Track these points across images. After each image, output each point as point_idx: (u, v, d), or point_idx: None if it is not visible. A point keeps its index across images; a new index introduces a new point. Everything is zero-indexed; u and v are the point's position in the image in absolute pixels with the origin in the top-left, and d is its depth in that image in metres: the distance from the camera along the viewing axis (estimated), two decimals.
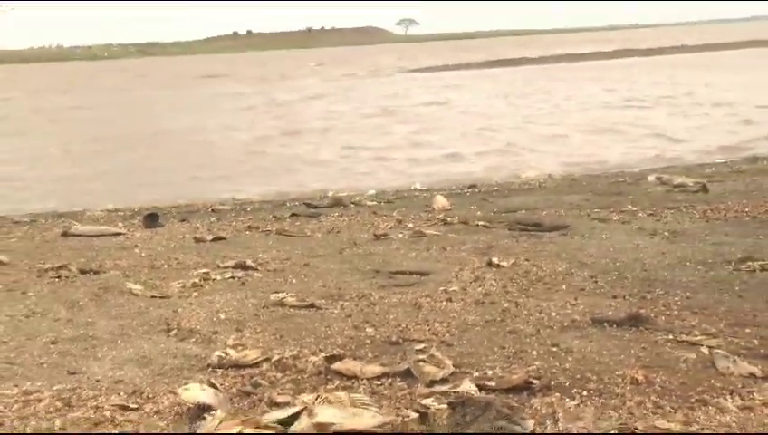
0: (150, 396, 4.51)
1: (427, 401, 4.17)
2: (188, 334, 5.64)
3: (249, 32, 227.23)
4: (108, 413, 4.28)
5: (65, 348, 5.44)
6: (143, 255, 8.42)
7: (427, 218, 10.01)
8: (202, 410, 4.17)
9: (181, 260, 8.08)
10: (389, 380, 4.63)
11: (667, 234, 8.45)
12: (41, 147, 23.48)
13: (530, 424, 3.86)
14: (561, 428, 3.87)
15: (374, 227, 9.53)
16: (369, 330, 5.56)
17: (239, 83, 56.13)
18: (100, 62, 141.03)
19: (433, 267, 7.36)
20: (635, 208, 10.03)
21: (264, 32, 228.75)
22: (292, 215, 10.80)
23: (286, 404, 4.25)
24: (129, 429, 4.12)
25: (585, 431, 3.82)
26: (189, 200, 13.52)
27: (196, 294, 6.76)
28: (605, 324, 5.50)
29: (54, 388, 4.66)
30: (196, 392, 4.33)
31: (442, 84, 46.74)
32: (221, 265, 7.73)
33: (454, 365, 4.74)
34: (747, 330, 5.29)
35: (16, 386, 4.72)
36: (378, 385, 4.56)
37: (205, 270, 7.51)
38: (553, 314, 5.79)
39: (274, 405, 4.30)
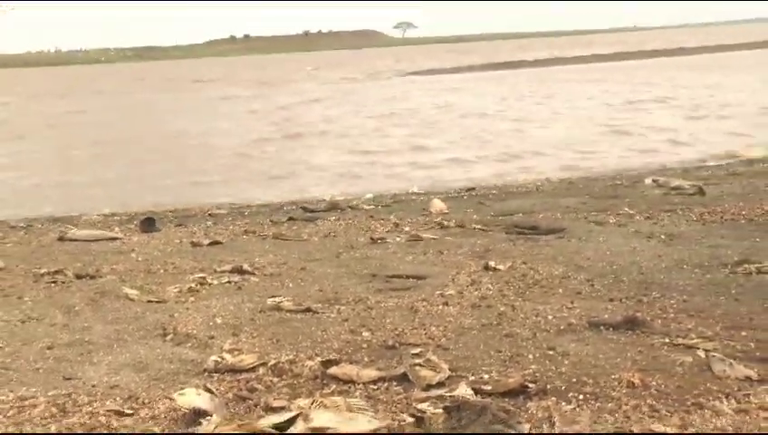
0: (146, 401, 4.50)
1: (423, 406, 4.17)
2: (185, 339, 5.64)
3: (246, 35, 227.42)
4: (103, 419, 4.27)
5: (61, 353, 5.43)
6: (140, 259, 8.41)
7: (423, 222, 10.02)
8: (198, 414, 4.17)
9: (178, 265, 8.08)
10: (386, 384, 4.62)
11: (663, 237, 8.45)
12: (38, 151, 23.47)
13: (525, 428, 3.86)
14: (557, 431, 3.86)
15: (371, 230, 9.54)
16: (366, 334, 5.56)
17: (237, 87, 56.16)
18: (98, 66, 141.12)
19: (429, 271, 7.36)
20: (632, 211, 10.03)
21: (261, 35, 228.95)
22: (289, 219, 10.81)
23: (282, 409, 4.24)
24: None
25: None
26: (186, 205, 13.52)
27: (192, 298, 6.76)
28: (601, 328, 5.50)
29: (50, 393, 4.65)
30: (192, 397, 4.33)
31: (441, 87, 46.79)
32: (218, 269, 7.73)
33: (450, 369, 4.75)
34: (743, 333, 5.30)
35: (11, 392, 4.71)
36: (374, 389, 4.56)
37: (201, 275, 7.50)
38: (550, 317, 5.80)
39: (270, 410, 4.29)
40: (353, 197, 13.42)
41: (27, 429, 4.20)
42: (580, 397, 4.33)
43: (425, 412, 4.06)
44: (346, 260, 8.02)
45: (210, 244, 9.15)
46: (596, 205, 10.87)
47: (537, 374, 4.67)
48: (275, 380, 4.77)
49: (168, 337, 5.70)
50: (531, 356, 5.01)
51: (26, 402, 4.52)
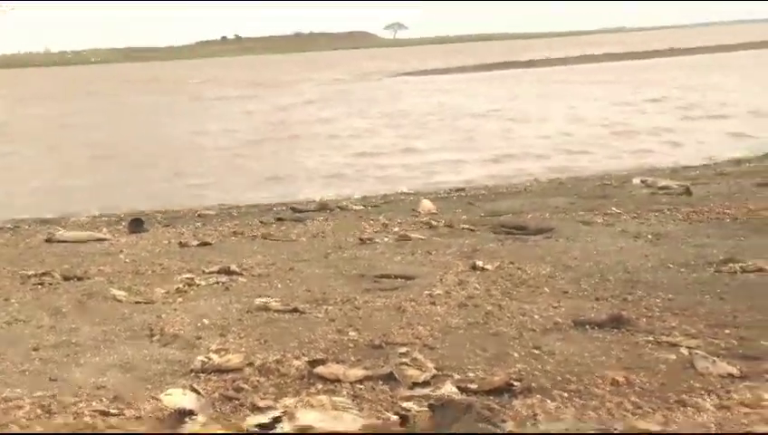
0: (132, 402, 4.51)
1: (409, 404, 4.19)
2: (172, 340, 5.64)
3: (238, 36, 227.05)
4: (88, 419, 4.28)
5: (47, 355, 5.43)
6: (127, 260, 8.41)
7: (412, 222, 10.02)
8: (183, 414, 4.18)
9: (166, 266, 8.07)
10: (372, 383, 4.64)
11: (650, 236, 8.48)
12: (26, 153, 23.43)
13: (509, 426, 3.88)
14: (542, 430, 3.89)
15: (360, 231, 9.53)
16: (353, 334, 5.57)
17: (228, 88, 56.07)
18: (90, 67, 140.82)
19: (417, 271, 7.38)
20: (619, 211, 10.05)
21: (252, 36, 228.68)
22: (278, 220, 10.79)
23: (268, 408, 4.26)
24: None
25: (565, 432, 3.83)
26: (175, 206, 13.51)
27: (180, 299, 6.76)
28: (587, 327, 5.53)
29: (35, 394, 4.65)
30: (178, 397, 4.34)
31: (431, 88, 46.83)
32: (206, 270, 7.72)
33: (436, 368, 4.77)
34: (727, 331, 5.33)
35: None
36: (360, 388, 4.58)
37: (189, 275, 7.49)
38: (536, 316, 5.82)
39: (256, 409, 4.30)
40: (342, 197, 13.43)
41: (13, 429, 4.21)
42: (565, 395, 4.37)
43: (410, 411, 4.09)
44: (334, 260, 8.03)
45: (199, 245, 9.14)
46: (584, 205, 10.88)
47: (522, 373, 4.70)
48: (262, 379, 4.79)
49: (156, 338, 5.70)
50: (516, 355, 5.04)
51: (11, 404, 4.52)
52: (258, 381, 4.77)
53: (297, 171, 18.34)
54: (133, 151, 22.97)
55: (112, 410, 4.38)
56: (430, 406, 4.08)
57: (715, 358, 4.74)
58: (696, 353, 4.83)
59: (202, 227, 10.58)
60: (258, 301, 6.45)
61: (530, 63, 71.46)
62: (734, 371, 4.57)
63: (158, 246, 9.17)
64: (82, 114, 38.40)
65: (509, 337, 5.39)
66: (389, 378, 4.67)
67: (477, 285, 6.73)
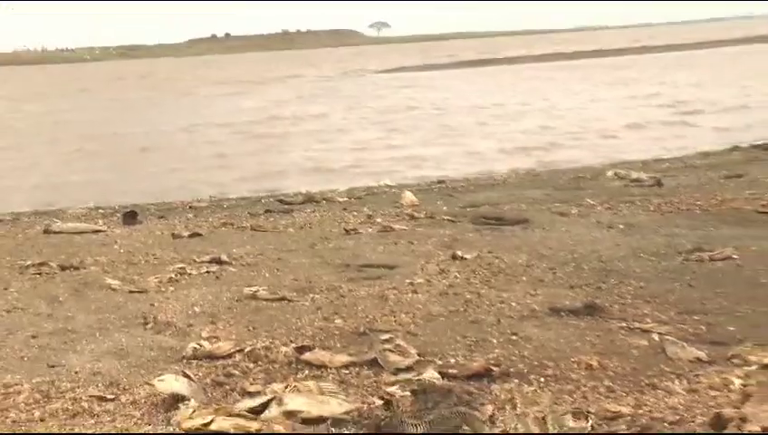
0: (127, 387, 4.51)
1: (392, 389, 4.20)
2: (165, 327, 5.64)
3: (227, 34, 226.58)
4: (85, 404, 4.29)
5: (45, 342, 5.42)
6: (122, 251, 8.38)
7: (395, 214, 10.02)
8: (176, 399, 4.18)
9: (159, 256, 8.05)
10: (357, 369, 4.65)
11: (622, 226, 8.51)
12: (25, 147, 23.31)
13: (488, 409, 3.89)
14: (518, 412, 3.90)
15: (344, 222, 9.52)
16: (338, 321, 5.58)
17: (218, 85, 55.96)
18: (84, 65, 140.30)
19: (400, 261, 7.38)
20: (593, 202, 10.07)
21: (242, 34, 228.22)
22: (266, 211, 10.77)
23: (257, 393, 4.26)
24: (106, 419, 4.11)
25: (541, 416, 3.84)
26: (168, 198, 13.46)
27: (172, 288, 6.75)
28: (562, 314, 5.55)
29: (34, 380, 4.65)
30: (171, 383, 4.34)
31: (414, 84, 46.82)
32: (197, 260, 7.70)
33: (418, 354, 4.78)
34: (696, 317, 5.36)
35: None
36: (345, 374, 4.59)
37: (181, 265, 7.48)
38: (514, 304, 5.84)
39: (246, 394, 4.31)
40: (328, 190, 13.39)
41: (12, 414, 4.20)
42: (542, 379, 4.39)
43: (393, 395, 4.10)
44: (320, 250, 8.02)
45: (190, 235, 9.11)
46: (559, 196, 10.91)
47: (501, 358, 4.72)
48: (251, 365, 4.79)
49: (149, 326, 5.70)
50: (495, 341, 5.05)
51: (11, 389, 4.52)
52: (248, 367, 4.77)
53: (285, 165, 18.31)
54: (127, 146, 22.87)
55: (108, 396, 4.38)
56: (413, 391, 4.10)
57: (684, 343, 4.77)
58: (667, 339, 4.86)
59: (193, 219, 10.55)
60: (247, 290, 6.44)
61: (507, 60, 71.55)
62: (703, 355, 4.59)
63: (151, 238, 9.14)
64: (78, 111, 38.28)
65: (488, 324, 5.40)
66: (374, 364, 4.68)
67: (457, 274, 6.74)
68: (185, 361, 4.91)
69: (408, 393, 4.08)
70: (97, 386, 4.54)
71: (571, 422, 3.75)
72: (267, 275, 7.10)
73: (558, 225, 8.77)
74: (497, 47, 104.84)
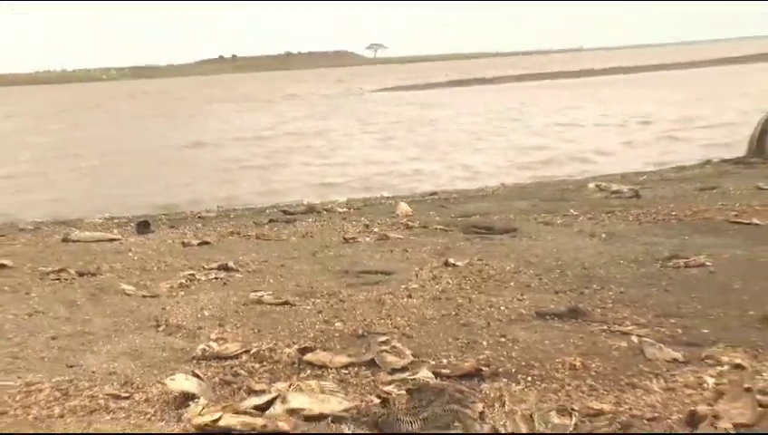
0: (141, 386, 4.49)
1: (389, 388, 4.19)
2: (175, 330, 5.62)
3: (234, 56, 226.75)
4: (102, 401, 4.27)
5: (64, 343, 5.41)
6: (136, 258, 8.36)
7: (391, 223, 10.01)
8: (187, 397, 4.17)
9: (170, 263, 8.03)
10: (355, 369, 4.64)
11: (603, 235, 8.50)
12: (48, 162, 23.31)
13: (479, 407, 3.89)
14: (507, 409, 3.89)
15: (344, 231, 9.51)
16: (338, 324, 5.56)
17: (227, 103, 56.00)
18: (102, 84, 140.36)
19: (396, 267, 7.36)
20: (576, 213, 10.07)
21: (247, 55, 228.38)
22: (270, 221, 10.76)
23: (262, 392, 4.25)
24: (121, 415, 4.11)
25: (528, 413, 3.84)
26: (178, 209, 13.47)
27: (182, 293, 6.73)
28: (548, 317, 5.54)
29: (54, 379, 4.63)
30: (182, 382, 4.33)
31: (407, 102, 46.88)
32: (205, 266, 7.68)
33: (413, 355, 4.76)
34: (672, 320, 5.35)
35: (20, 378, 4.69)
36: (345, 374, 4.57)
37: (191, 272, 7.46)
38: (502, 308, 5.82)
39: (252, 393, 4.29)
40: (328, 201, 13.40)
41: (34, 411, 4.19)
42: (528, 379, 4.37)
43: (390, 394, 4.09)
44: (321, 258, 8.01)
45: (199, 244, 9.10)
46: (545, 207, 10.90)
47: (490, 359, 4.70)
48: (257, 366, 4.77)
49: (161, 328, 5.68)
50: (485, 343, 5.04)
51: (33, 387, 4.50)
52: (253, 367, 4.76)
53: (288, 177, 18.33)
54: (142, 161, 22.89)
55: (123, 394, 4.37)
56: (408, 390, 4.09)
57: (661, 345, 4.76)
58: (645, 341, 4.85)
59: (202, 228, 10.53)
60: (253, 294, 6.43)
61: (493, 80, 71.72)
62: (679, 356, 4.59)
63: (162, 246, 9.12)
64: (96, 127, 38.29)
65: (478, 327, 5.39)
66: (371, 364, 4.66)
67: (449, 280, 6.73)
68: (194, 361, 4.89)
69: (404, 392, 4.07)
70: (113, 385, 4.53)
71: (555, 419, 3.74)
72: (271, 280, 7.08)
73: (544, 234, 8.77)
74: (487, 67, 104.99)
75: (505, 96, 48.08)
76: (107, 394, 4.37)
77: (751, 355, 4.55)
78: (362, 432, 3.70)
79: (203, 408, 4.00)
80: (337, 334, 5.34)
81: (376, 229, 9.54)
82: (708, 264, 6.90)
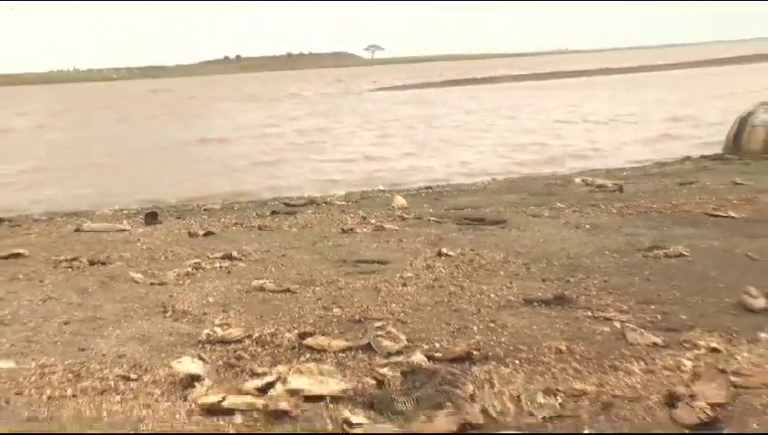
0: (149, 368, 4.51)
1: (384, 370, 4.20)
2: (182, 315, 5.63)
3: (238, 56, 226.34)
4: (112, 383, 4.27)
5: (76, 328, 5.41)
6: (144, 248, 8.36)
7: (387, 215, 10.01)
8: (192, 379, 4.18)
9: (176, 252, 8.04)
10: (353, 352, 4.65)
11: (588, 227, 8.52)
12: (62, 158, 23.25)
13: (469, 388, 3.90)
14: (496, 390, 3.90)
15: (342, 223, 9.51)
16: (336, 310, 5.57)
17: (233, 101, 55.91)
18: (112, 83, 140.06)
19: (391, 257, 7.37)
20: (563, 206, 10.09)
21: (251, 56, 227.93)
22: (272, 213, 10.77)
23: (264, 374, 4.25)
24: (130, 396, 4.11)
25: (516, 394, 3.85)
26: (185, 201, 13.46)
27: (188, 281, 6.73)
28: (535, 304, 5.55)
29: (66, 362, 4.64)
30: (188, 365, 4.34)
31: (403, 101, 46.82)
32: (210, 256, 7.69)
33: (407, 340, 4.78)
34: (652, 307, 5.37)
35: (34, 360, 4.70)
36: (343, 357, 4.58)
37: (196, 260, 7.46)
38: (492, 295, 5.84)
39: (254, 375, 4.30)
40: (328, 194, 13.40)
41: (47, 391, 4.19)
42: (516, 362, 4.39)
43: (385, 376, 4.10)
44: (320, 248, 8.02)
45: (205, 234, 9.10)
46: (533, 200, 10.92)
47: (480, 343, 4.72)
48: (259, 349, 4.78)
49: (168, 314, 5.69)
50: (475, 328, 5.05)
51: (46, 370, 4.51)
52: (256, 350, 4.77)
53: (290, 171, 18.29)
54: (151, 156, 22.82)
55: (132, 376, 4.38)
56: (402, 372, 4.11)
57: (642, 330, 4.78)
58: (627, 326, 4.87)
59: (208, 219, 10.53)
60: (255, 282, 6.43)
61: (487, 80, 71.66)
62: (658, 340, 4.61)
63: (170, 236, 9.13)
64: (109, 125, 38.20)
65: (469, 313, 5.41)
66: (368, 348, 4.67)
67: (442, 269, 6.74)
68: (200, 345, 4.90)
69: (398, 374, 4.09)
70: (122, 367, 4.53)
71: (542, 399, 3.76)
72: (273, 269, 7.09)
73: (532, 225, 8.78)
74: (482, 68, 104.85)
75: (500, 95, 48.02)
76: (117, 376, 4.37)
77: (726, 339, 4.58)
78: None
79: (207, 389, 4.02)
80: (335, 320, 5.35)
81: (373, 221, 9.54)
82: (687, 254, 6.92)
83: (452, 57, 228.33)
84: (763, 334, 4.65)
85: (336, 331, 5.12)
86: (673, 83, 50.77)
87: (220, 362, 4.55)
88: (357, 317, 5.38)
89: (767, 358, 4.22)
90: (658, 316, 5.17)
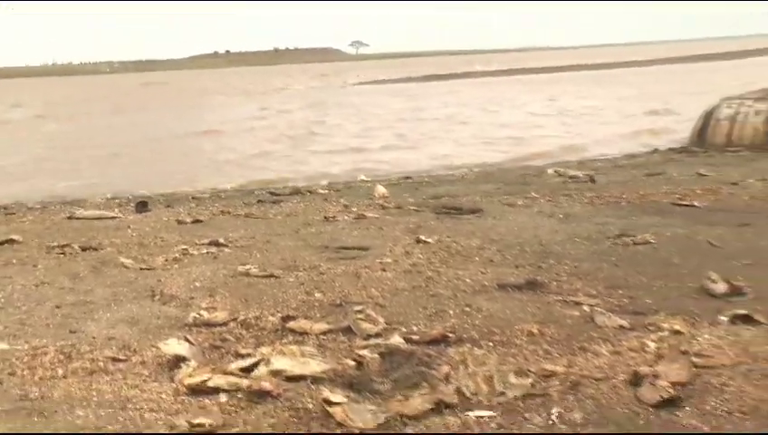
0: (137, 349, 4.50)
1: (363, 352, 4.20)
2: (170, 299, 5.61)
3: (227, 51, 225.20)
4: (101, 364, 4.27)
5: (68, 311, 5.39)
6: (134, 235, 8.32)
7: (368, 204, 10.01)
8: (179, 360, 4.18)
9: (165, 239, 8.00)
10: (333, 335, 4.65)
11: (560, 216, 8.54)
12: (56, 150, 23.08)
13: (444, 369, 3.91)
14: (470, 371, 3.91)
15: (325, 211, 9.49)
16: (318, 295, 5.57)
17: (223, 95, 55.66)
18: (105, 76, 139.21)
19: (371, 243, 7.37)
20: (536, 195, 10.11)
21: (239, 51, 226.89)
22: (259, 201, 10.75)
23: (248, 355, 4.26)
24: (119, 376, 4.10)
25: (489, 374, 3.85)
26: (174, 189, 13.40)
27: (176, 266, 6.71)
28: (508, 289, 5.57)
29: (58, 344, 4.62)
30: (175, 346, 4.34)
31: (387, 94, 46.75)
32: (198, 242, 7.65)
33: (386, 323, 4.79)
34: (620, 291, 5.40)
35: (27, 342, 4.69)
36: (324, 339, 4.59)
37: (184, 247, 7.44)
38: (467, 280, 5.85)
39: (239, 356, 4.30)
40: (312, 183, 13.38)
41: (39, 372, 4.18)
42: (490, 344, 4.40)
43: (364, 357, 4.11)
44: (304, 235, 8.00)
45: (193, 222, 9.06)
46: (508, 190, 10.94)
47: (456, 326, 4.73)
48: (243, 332, 4.78)
49: (156, 298, 5.67)
50: (451, 312, 5.06)
51: (39, 351, 4.50)
52: (240, 333, 4.76)
53: (273, 161, 18.24)
54: (142, 147, 22.69)
55: (121, 357, 4.37)
56: (381, 353, 4.11)
57: (610, 313, 4.81)
58: (596, 310, 4.90)
59: (196, 208, 10.49)
60: (241, 268, 6.42)
61: (466, 75, 71.65)
62: (625, 323, 4.63)
63: (159, 223, 9.08)
64: (101, 117, 37.94)
65: (445, 297, 5.42)
66: (348, 331, 4.68)
67: (420, 255, 6.75)
68: (186, 328, 4.89)
69: (377, 356, 4.09)
70: (111, 349, 4.52)
71: (513, 379, 3.77)
72: (258, 255, 7.07)
73: (506, 214, 8.79)
74: (462, 63, 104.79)
75: (477, 90, 48.03)
76: (106, 357, 4.37)
77: (688, 322, 4.61)
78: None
79: (193, 369, 4.01)
80: (317, 304, 5.35)
81: (354, 209, 9.54)
82: (653, 241, 6.96)
83: (433, 53, 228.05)
84: (722, 317, 4.69)
85: (318, 314, 5.11)
86: (654, 79, 50.84)
87: (206, 344, 4.54)
88: (338, 301, 5.38)
89: (726, 340, 4.26)
90: (625, 300, 5.20)
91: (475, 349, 4.29)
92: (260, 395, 3.72)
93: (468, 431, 3.34)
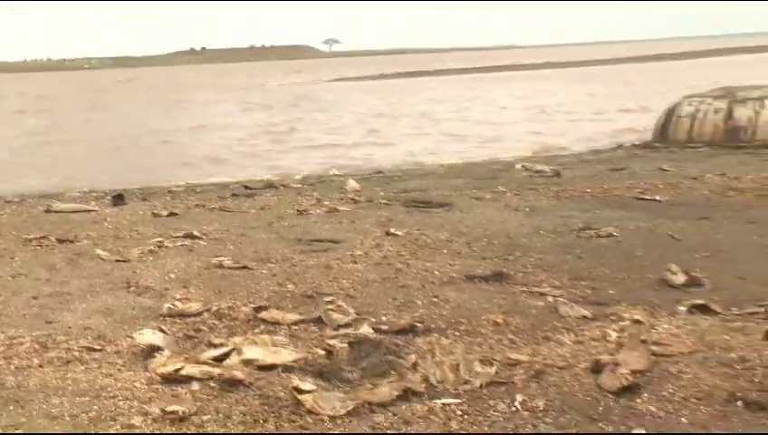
0: (112, 339, 4.49)
1: (333, 341, 4.20)
2: (144, 290, 5.59)
3: (204, 48, 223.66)
4: (77, 353, 4.25)
5: (44, 302, 5.36)
6: (110, 227, 8.25)
7: (340, 198, 9.98)
8: (153, 350, 4.17)
9: (141, 231, 7.94)
10: (305, 325, 4.66)
11: (527, 209, 8.58)
12: (35, 145, 22.83)
13: (412, 358, 3.92)
14: (437, 360, 3.92)
15: (298, 204, 9.45)
16: (290, 286, 5.57)
17: (201, 91, 55.31)
18: (84, 72, 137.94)
19: (343, 236, 7.37)
20: (504, 190, 10.13)
21: (215, 48, 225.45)
22: (233, 195, 10.68)
23: (221, 345, 4.25)
24: (94, 365, 4.07)
25: (455, 363, 3.86)
26: (150, 184, 13.29)
27: (151, 258, 6.67)
28: (475, 280, 5.60)
29: (34, 334, 4.59)
30: (149, 336, 4.33)
31: (358, 90, 46.70)
32: (173, 235, 7.60)
33: (356, 313, 4.80)
34: (583, 283, 5.45)
35: (3, 332, 4.66)
36: (295, 329, 4.60)
37: (159, 239, 7.39)
38: (436, 272, 5.87)
39: (211, 346, 4.29)
40: (285, 177, 13.33)
41: (15, 361, 4.14)
42: (457, 333, 4.43)
43: (334, 347, 4.11)
44: (277, 228, 7.97)
45: (168, 215, 8.99)
46: (477, 184, 10.95)
47: (424, 316, 4.75)
48: (216, 322, 4.77)
49: (131, 289, 5.64)
50: (420, 302, 5.08)
51: (15, 341, 4.47)
52: (213, 323, 4.75)
53: (248, 157, 18.17)
54: (119, 141, 22.47)
55: (96, 347, 4.36)
56: (350, 343, 4.12)
57: (573, 304, 4.85)
58: (559, 301, 4.94)
59: (171, 201, 10.41)
60: (215, 259, 6.40)
61: (438, 72, 71.72)
62: (588, 313, 4.67)
63: (135, 216, 9.01)
64: (82, 112, 37.54)
65: (414, 288, 5.44)
66: (319, 321, 4.68)
67: (390, 248, 6.76)
68: (161, 318, 4.87)
69: (346, 345, 4.10)
70: (87, 338, 4.50)
71: (479, 368, 3.78)
72: (232, 247, 7.04)
73: (474, 208, 8.81)
74: (433, 61, 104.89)
75: (449, 87, 48.08)
76: (82, 347, 4.35)
77: (648, 312, 4.66)
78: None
79: (167, 359, 4.00)
80: (289, 295, 5.35)
81: (327, 203, 9.51)
82: (616, 234, 7.02)
83: (408, 50, 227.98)
84: (681, 307, 4.75)
85: (290, 305, 5.11)
86: (625, 77, 51.07)
87: (180, 334, 4.53)
88: (309, 292, 5.38)
89: (684, 329, 4.31)
90: (588, 291, 5.24)
91: (442, 338, 4.30)
92: (232, 384, 3.71)
93: (434, 418, 3.35)
